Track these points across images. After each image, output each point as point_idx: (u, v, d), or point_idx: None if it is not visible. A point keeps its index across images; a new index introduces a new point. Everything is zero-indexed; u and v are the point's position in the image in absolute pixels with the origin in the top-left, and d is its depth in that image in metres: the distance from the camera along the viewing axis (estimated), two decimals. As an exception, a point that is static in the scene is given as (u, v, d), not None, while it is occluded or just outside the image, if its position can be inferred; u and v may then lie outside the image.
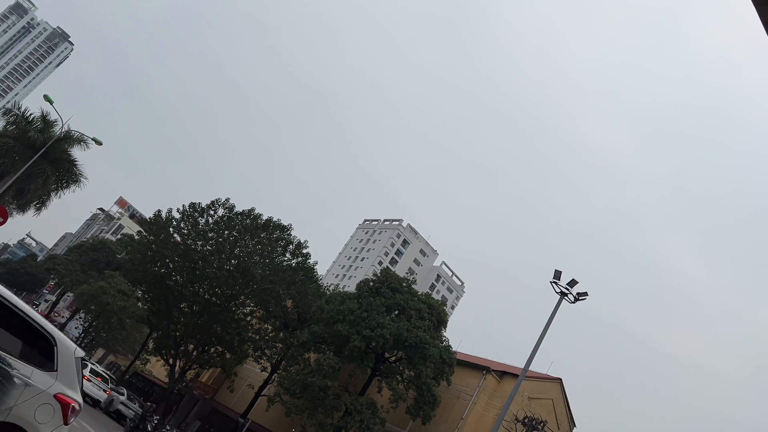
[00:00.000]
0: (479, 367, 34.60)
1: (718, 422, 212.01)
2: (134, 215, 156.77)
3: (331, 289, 43.15)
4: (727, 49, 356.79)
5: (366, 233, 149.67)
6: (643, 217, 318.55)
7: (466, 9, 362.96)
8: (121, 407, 33.05)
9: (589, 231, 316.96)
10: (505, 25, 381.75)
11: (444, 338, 33.76)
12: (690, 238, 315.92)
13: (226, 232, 38.44)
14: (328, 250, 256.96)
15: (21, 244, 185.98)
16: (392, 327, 30.55)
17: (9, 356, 5.50)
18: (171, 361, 39.49)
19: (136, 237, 53.67)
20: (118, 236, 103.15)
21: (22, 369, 5.59)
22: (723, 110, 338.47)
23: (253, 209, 38.93)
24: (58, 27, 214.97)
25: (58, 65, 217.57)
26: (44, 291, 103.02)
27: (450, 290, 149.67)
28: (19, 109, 32.56)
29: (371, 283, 35.47)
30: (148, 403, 36.31)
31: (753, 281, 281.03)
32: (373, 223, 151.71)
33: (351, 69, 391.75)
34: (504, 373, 34.51)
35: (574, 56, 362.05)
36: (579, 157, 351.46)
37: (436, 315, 33.48)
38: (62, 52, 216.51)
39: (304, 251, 39.00)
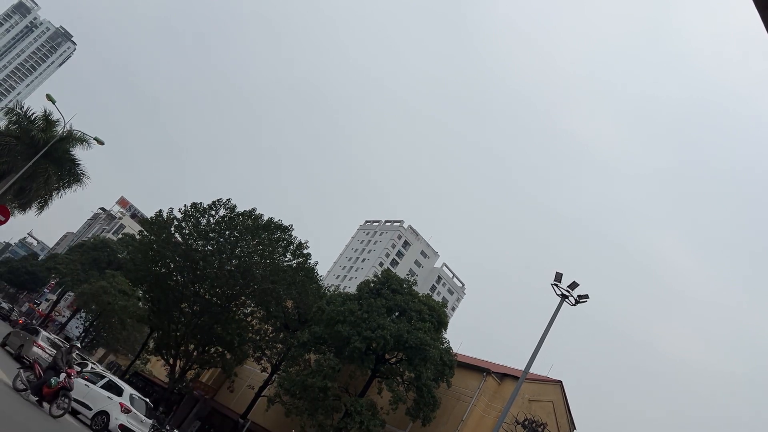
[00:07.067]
0: (479, 369, 34.56)
1: (716, 419, 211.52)
2: (135, 215, 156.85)
3: (331, 289, 43.07)
4: (721, 43, 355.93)
5: (367, 234, 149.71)
6: (638, 213, 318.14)
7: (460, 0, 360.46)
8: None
9: (583, 228, 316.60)
10: (498, 19, 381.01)
11: (444, 340, 33.71)
12: (684, 233, 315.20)
13: (227, 232, 38.46)
14: (329, 250, 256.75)
15: (22, 243, 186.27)
16: (392, 328, 30.53)
17: None
18: (171, 361, 39.50)
19: (138, 237, 53.62)
20: (120, 236, 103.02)
21: None
22: (718, 104, 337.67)
23: (254, 209, 38.95)
24: (61, 27, 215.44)
25: (60, 65, 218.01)
26: (45, 290, 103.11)
27: (451, 292, 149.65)
28: (21, 108, 32.62)
29: (372, 284, 35.45)
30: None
31: (749, 274, 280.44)
32: (374, 224, 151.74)
33: (354, 69, 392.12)
34: (504, 375, 34.45)
35: (569, 50, 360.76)
36: (573, 152, 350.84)
37: (436, 316, 33.45)
38: (65, 51, 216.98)
39: (305, 252, 39.02)
